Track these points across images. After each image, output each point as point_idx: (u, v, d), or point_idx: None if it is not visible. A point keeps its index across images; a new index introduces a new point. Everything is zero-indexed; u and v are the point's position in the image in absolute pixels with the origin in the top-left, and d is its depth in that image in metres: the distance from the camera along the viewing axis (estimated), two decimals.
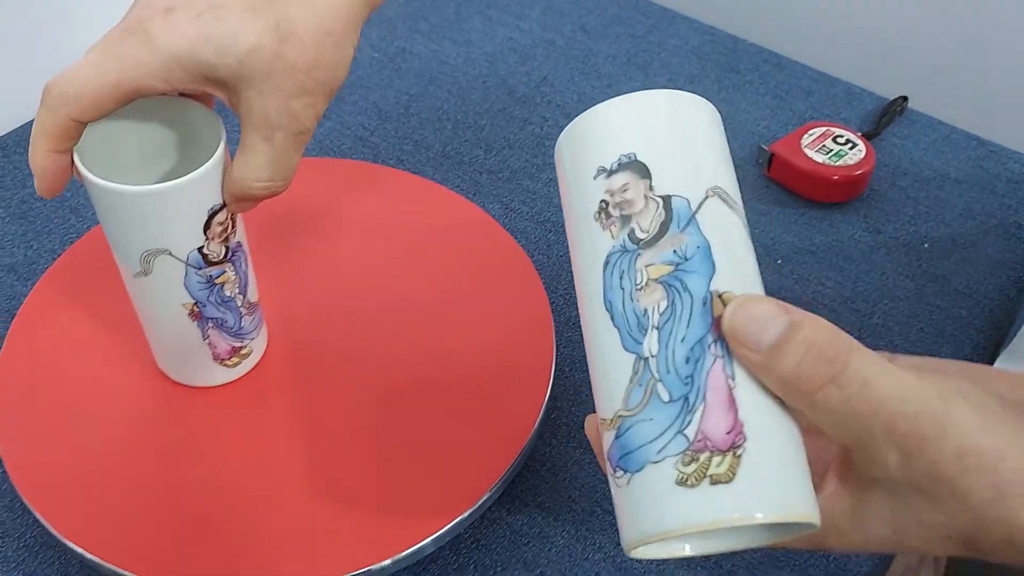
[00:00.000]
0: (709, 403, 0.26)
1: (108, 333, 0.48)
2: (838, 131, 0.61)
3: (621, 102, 0.30)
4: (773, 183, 0.62)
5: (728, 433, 0.26)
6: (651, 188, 0.28)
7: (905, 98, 0.67)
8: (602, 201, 0.29)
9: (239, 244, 0.41)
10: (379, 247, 0.53)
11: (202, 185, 0.37)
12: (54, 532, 0.41)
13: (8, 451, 0.43)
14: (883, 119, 0.66)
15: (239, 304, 0.43)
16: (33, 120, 0.64)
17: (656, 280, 0.28)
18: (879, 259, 0.58)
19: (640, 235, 0.28)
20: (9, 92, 0.65)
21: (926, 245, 0.59)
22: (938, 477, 0.27)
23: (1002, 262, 0.57)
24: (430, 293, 0.51)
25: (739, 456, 0.26)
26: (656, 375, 0.27)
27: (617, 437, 0.27)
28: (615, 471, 0.28)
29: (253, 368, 0.47)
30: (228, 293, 0.41)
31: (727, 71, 0.70)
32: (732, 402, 0.27)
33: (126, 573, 0.40)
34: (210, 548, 0.40)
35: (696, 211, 0.28)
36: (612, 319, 0.28)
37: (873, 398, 0.26)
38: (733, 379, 0.27)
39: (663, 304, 0.27)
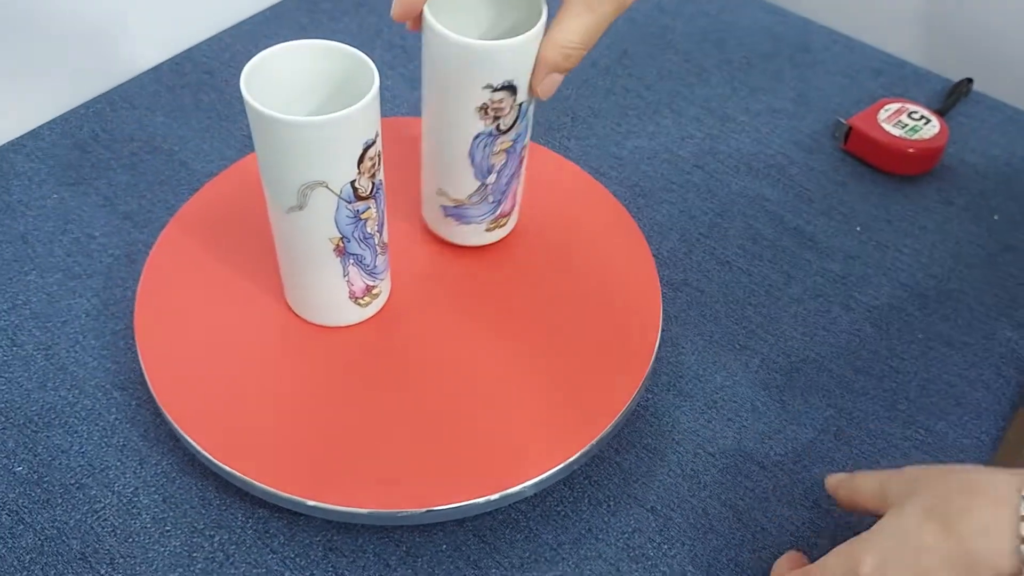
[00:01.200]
0: (507, 201, 0.50)
1: (239, 275, 0.51)
2: (912, 107, 0.64)
3: (509, 44, 0.42)
4: (848, 156, 0.65)
5: (509, 213, 0.52)
6: (515, 100, 0.45)
7: (970, 80, 0.70)
8: (484, 103, 0.44)
9: (381, 182, 0.44)
10: None
11: (361, 118, 0.39)
12: (202, 451, 0.43)
13: (157, 383, 0.46)
14: (950, 99, 0.68)
15: (376, 242, 0.45)
16: (127, 81, 0.67)
17: (503, 150, 0.47)
18: (953, 229, 0.60)
19: (503, 127, 0.46)
20: (112, 49, 0.67)
21: (996, 217, 0.61)
22: None
23: None
24: (541, 248, 0.53)
25: (508, 218, 0.52)
26: (490, 192, 0.49)
27: (457, 209, 0.50)
28: (450, 216, 0.51)
29: (378, 312, 0.49)
30: (369, 230, 0.44)
31: (799, 50, 0.73)
32: (515, 199, 0.51)
33: (269, 488, 0.42)
34: (345, 469, 0.43)
35: (530, 107, 0.46)
36: (472, 164, 0.47)
37: None
38: (518, 188, 0.51)
39: (503, 160, 0.48)
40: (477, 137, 0.46)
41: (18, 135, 0.63)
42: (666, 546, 0.45)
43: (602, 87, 0.69)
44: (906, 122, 0.63)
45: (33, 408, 0.49)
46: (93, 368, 0.51)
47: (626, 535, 0.45)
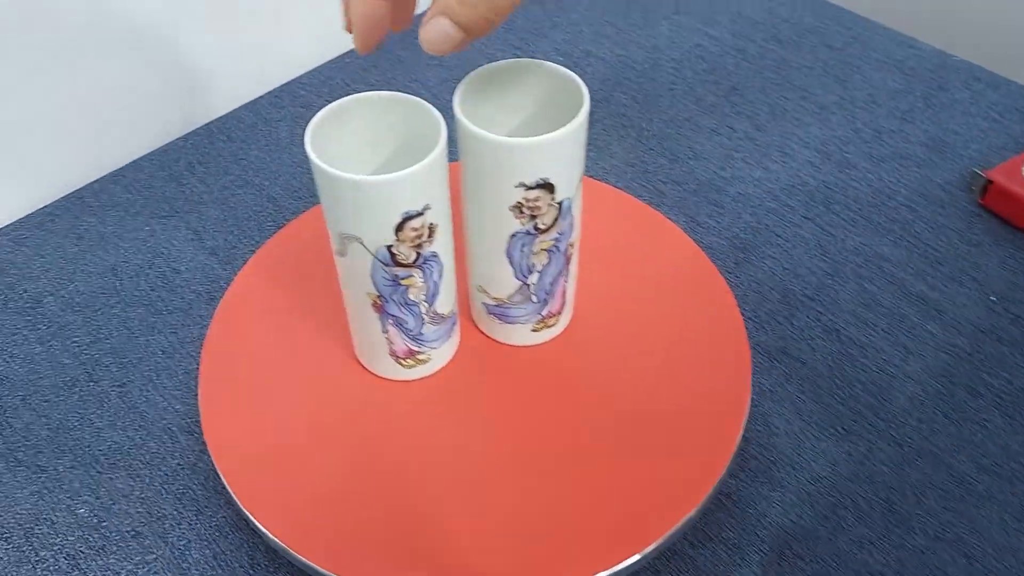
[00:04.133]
0: (554, 301, 0.47)
1: (310, 320, 0.49)
2: None
3: (540, 142, 0.38)
4: (986, 212, 0.57)
5: (559, 312, 0.48)
6: (553, 198, 0.41)
7: None
8: (518, 201, 0.41)
9: (434, 254, 0.41)
10: None
11: (397, 188, 0.37)
12: (247, 513, 0.42)
13: (211, 430, 0.45)
14: None
15: (423, 311, 0.43)
16: (226, 113, 0.67)
17: (544, 249, 0.44)
18: None
19: (541, 226, 0.42)
20: (210, 83, 0.68)
21: None
22: None
23: None
24: (617, 310, 0.49)
25: (558, 317, 0.48)
26: (533, 293, 0.46)
27: (499, 307, 0.47)
28: (493, 314, 0.47)
29: (439, 372, 0.47)
30: (412, 297, 0.42)
31: (935, 88, 0.66)
32: (564, 298, 0.47)
33: (311, 563, 0.40)
34: (396, 549, 0.41)
35: (572, 203, 0.42)
36: (511, 264, 0.44)
37: None
38: (567, 287, 0.47)
39: (545, 260, 0.44)
40: (514, 236, 0.42)
41: (121, 165, 0.65)
42: None
43: (706, 127, 0.64)
44: None
45: (101, 448, 0.49)
46: (163, 409, 0.50)
47: None
